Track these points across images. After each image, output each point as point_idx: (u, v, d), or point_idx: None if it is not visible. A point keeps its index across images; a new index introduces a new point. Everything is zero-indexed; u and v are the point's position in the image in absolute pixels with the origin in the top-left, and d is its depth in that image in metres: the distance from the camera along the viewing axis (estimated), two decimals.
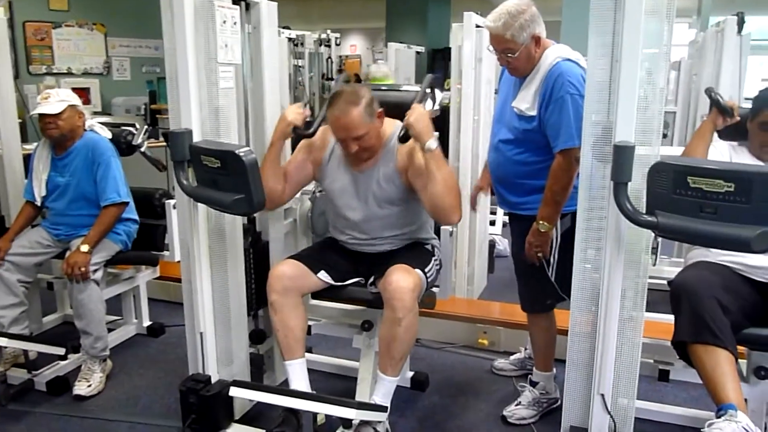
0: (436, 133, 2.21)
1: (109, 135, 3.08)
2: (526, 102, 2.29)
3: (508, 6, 2.20)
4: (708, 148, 2.27)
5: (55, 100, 2.86)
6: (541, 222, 2.28)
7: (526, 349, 3.02)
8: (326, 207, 2.61)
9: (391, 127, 2.37)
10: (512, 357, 3.05)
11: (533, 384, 2.64)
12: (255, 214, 2.64)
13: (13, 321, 2.84)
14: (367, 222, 2.41)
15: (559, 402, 2.59)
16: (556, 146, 2.22)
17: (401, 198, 2.37)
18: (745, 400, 1.95)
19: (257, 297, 2.61)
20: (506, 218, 2.91)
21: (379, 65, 5.82)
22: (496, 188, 2.57)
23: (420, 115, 2.17)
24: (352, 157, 2.34)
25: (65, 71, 7.25)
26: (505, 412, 2.59)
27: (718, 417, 1.76)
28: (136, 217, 3.11)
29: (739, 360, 1.97)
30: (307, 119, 2.39)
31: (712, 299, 1.89)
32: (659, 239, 2.18)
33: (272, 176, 2.35)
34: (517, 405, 2.60)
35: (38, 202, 3.00)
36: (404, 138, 2.21)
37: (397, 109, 2.36)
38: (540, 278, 2.40)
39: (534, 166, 2.34)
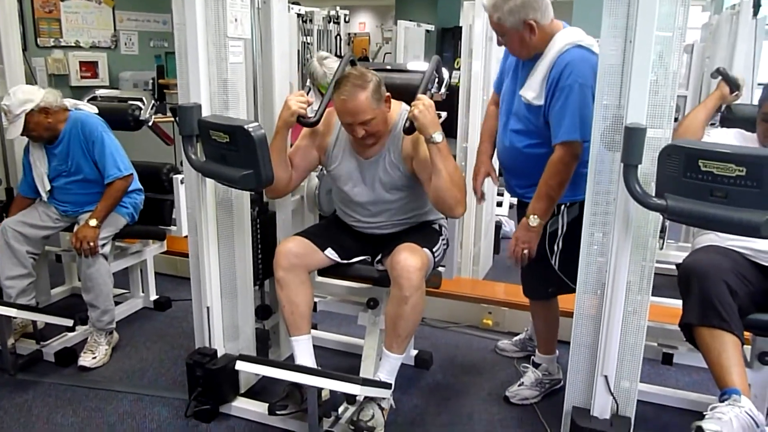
0: (444, 113, 2.18)
1: (95, 110, 3.04)
2: (533, 91, 2.18)
3: None
4: (709, 117, 2.27)
5: (12, 116, 2.75)
6: (532, 216, 2.19)
7: (527, 330, 3.04)
8: (333, 190, 2.60)
9: (398, 109, 2.34)
10: (515, 338, 3.07)
11: (536, 365, 2.65)
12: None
13: (21, 292, 2.87)
14: (375, 205, 2.41)
15: (561, 383, 2.61)
16: (557, 137, 2.12)
17: (407, 185, 2.36)
18: (749, 385, 1.96)
19: (264, 268, 2.63)
20: (514, 200, 2.82)
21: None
22: (505, 175, 2.51)
23: (425, 107, 2.11)
24: (358, 143, 2.31)
25: (73, 44, 7.21)
26: (507, 393, 2.61)
27: (722, 401, 1.76)
28: (140, 186, 3.10)
29: (744, 345, 1.97)
30: (311, 104, 2.32)
31: (722, 282, 1.89)
32: (667, 223, 2.18)
33: (279, 164, 2.26)
34: (519, 386, 2.62)
35: (45, 197, 2.97)
36: (409, 130, 2.17)
37: (403, 92, 2.36)
38: (543, 266, 2.33)
39: (544, 157, 2.20)
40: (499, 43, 2.26)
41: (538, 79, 2.16)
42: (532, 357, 2.71)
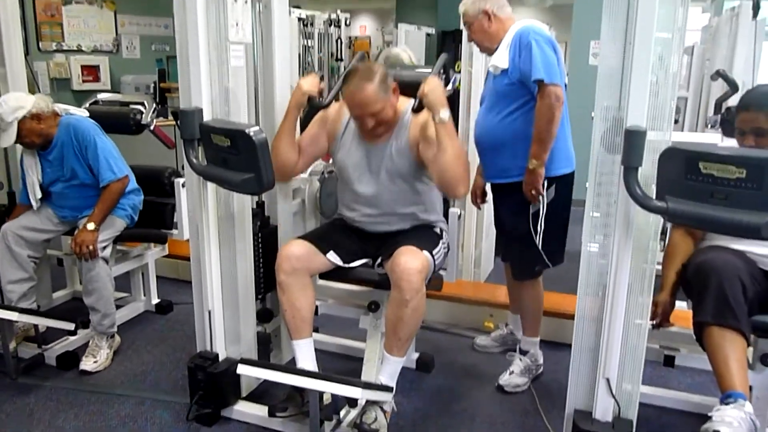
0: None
1: (86, 113, 3.03)
2: (498, 59, 2.49)
3: None
4: None
5: (5, 124, 2.73)
6: (531, 160, 2.42)
7: (507, 325, 3.08)
8: (337, 182, 2.62)
9: (405, 103, 2.39)
10: (493, 334, 3.12)
11: (523, 352, 2.75)
12: (264, 198, 2.67)
13: (22, 296, 2.87)
14: (378, 197, 2.42)
15: (542, 369, 2.80)
16: (533, 78, 2.34)
17: (412, 174, 2.39)
18: (750, 387, 1.95)
19: (266, 281, 2.63)
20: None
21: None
22: (483, 161, 2.70)
23: (435, 86, 2.21)
24: (368, 132, 2.36)
25: (75, 48, 7.22)
26: (500, 381, 2.68)
27: (726, 404, 1.75)
28: (138, 186, 3.08)
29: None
30: (322, 90, 2.43)
31: (738, 281, 1.87)
32: (668, 225, 2.18)
33: (287, 146, 2.39)
34: (510, 374, 2.70)
35: (35, 206, 2.95)
36: (418, 108, 2.26)
37: (411, 88, 2.37)
38: (528, 246, 2.52)
39: (515, 123, 2.47)
40: (469, 39, 2.68)
41: (501, 50, 2.49)
42: (518, 344, 2.80)
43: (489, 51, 2.60)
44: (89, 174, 2.90)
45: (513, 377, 2.69)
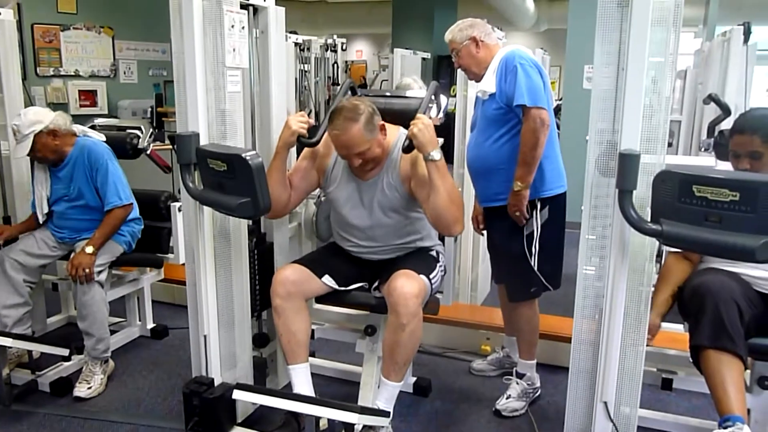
0: (441, 139, 2.22)
1: (103, 138, 3.06)
2: (485, 84, 2.55)
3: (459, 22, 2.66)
4: None
5: (21, 136, 2.78)
6: (515, 182, 2.45)
7: (503, 348, 3.07)
8: (330, 214, 2.61)
9: (395, 134, 2.38)
10: (489, 357, 3.10)
11: (520, 376, 2.73)
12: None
13: (17, 321, 2.85)
14: (373, 229, 2.42)
15: (540, 392, 2.77)
16: (517, 102, 2.39)
17: (404, 207, 2.38)
18: (749, 410, 1.94)
19: (261, 298, 2.62)
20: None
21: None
22: (476, 186, 2.73)
23: (424, 125, 2.16)
24: (356, 169, 2.36)
25: (72, 73, 7.27)
26: (498, 406, 2.66)
27: (724, 427, 1.75)
28: (139, 216, 3.11)
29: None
30: (311, 126, 2.38)
31: (734, 304, 1.88)
32: (664, 247, 2.19)
33: (278, 185, 2.35)
34: (507, 398, 2.68)
35: (41, 220, 2.99)
36: (408, 148, 2.21)
37: (402, 117, 2.39)
38: (524, 268, 2.54)
39: (505, 147, 2.50)
40: (457, 66, 2.71)
41: (488, 76, 2.54)
42: (515, 368, 2.78)
43: (476, 77, 2.64)
44: (95, 196, 2.93)
45: (510, 401, 2.68)
